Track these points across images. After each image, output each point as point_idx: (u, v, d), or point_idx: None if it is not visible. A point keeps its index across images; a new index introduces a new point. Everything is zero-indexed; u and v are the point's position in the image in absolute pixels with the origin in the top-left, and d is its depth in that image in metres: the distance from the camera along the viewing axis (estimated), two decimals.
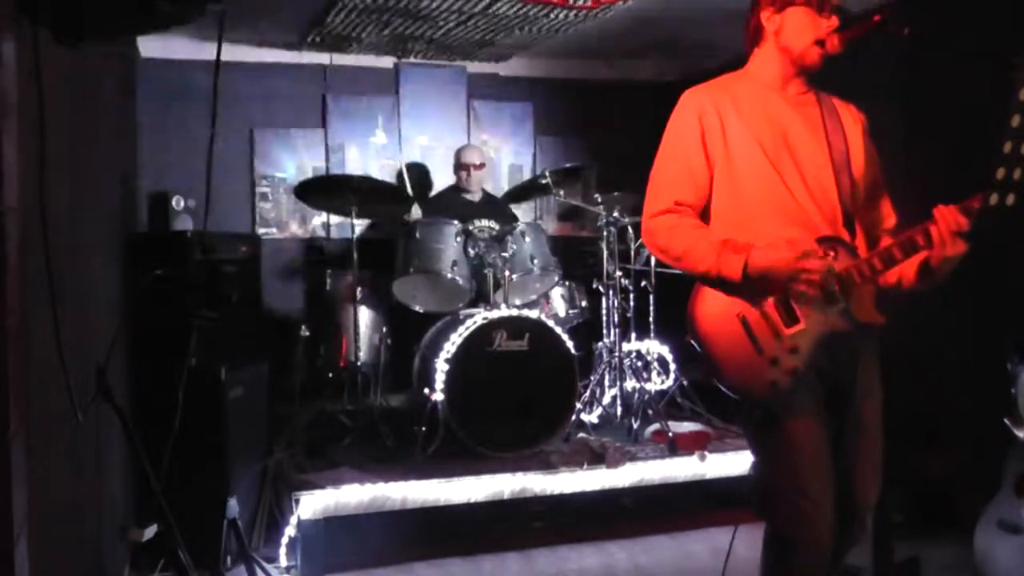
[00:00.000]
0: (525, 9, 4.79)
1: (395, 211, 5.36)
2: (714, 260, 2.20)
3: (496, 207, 5.43)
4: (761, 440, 2.29)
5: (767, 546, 2.28)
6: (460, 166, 5.43)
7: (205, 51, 5.25)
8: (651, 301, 5.00)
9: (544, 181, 4.82)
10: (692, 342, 2.27)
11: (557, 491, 3.91)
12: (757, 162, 2.26)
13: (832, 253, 2.21)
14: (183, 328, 3.59)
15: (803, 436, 2.18)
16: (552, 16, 4.93)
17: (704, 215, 2.33)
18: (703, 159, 2.30)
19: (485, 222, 4.82)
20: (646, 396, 4.59)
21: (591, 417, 4.65)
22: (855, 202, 2.31)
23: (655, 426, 4.40)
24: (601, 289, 4.90)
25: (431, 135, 6.13)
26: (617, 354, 4.73)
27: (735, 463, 4.06)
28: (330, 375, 4.56)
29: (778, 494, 2.22)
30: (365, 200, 4.55)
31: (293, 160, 5.87)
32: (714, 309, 2.23)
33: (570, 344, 4.26)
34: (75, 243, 2.50)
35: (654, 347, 4.97)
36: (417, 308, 4.65)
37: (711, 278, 2.22)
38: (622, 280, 4.87)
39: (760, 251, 2.17)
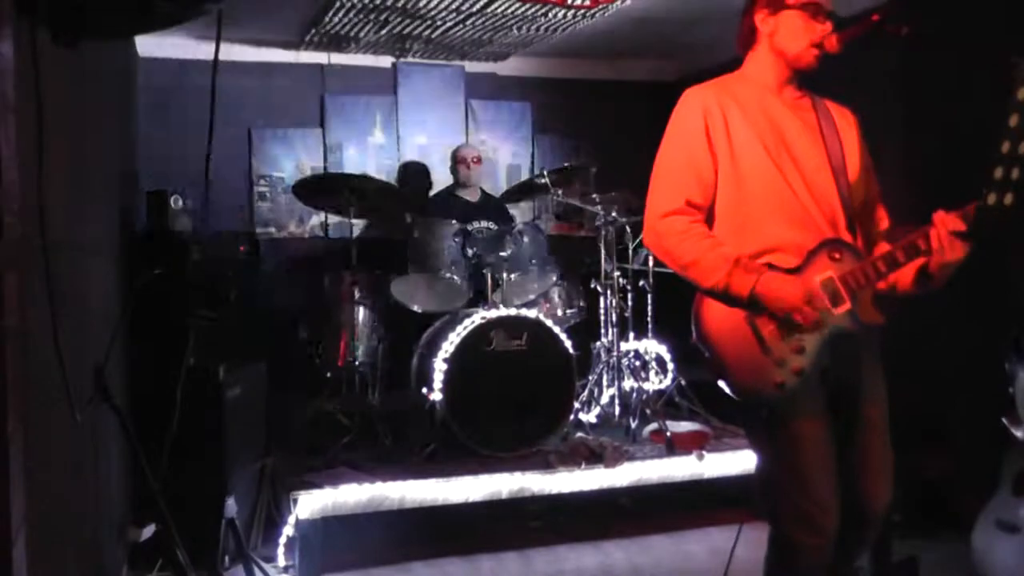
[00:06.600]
0: (523, 8, 4.79)
1: (393, 211, 5.35)
2: (723, 275, 2.18)
3: (494, 207, 5.43)
4: (765, 442, 2.28)
5: (771, 547, 2.28)
6: (458, 160, 5.43)
7: (203, 50, 5.27)
8: (649, 300, 5.00)
9: (542, 181, 4.82)
10: (698, 345, 2.27)
11: (555, 491, 3.91)
12: (760, 162, 2.26)
13: (837, 255, 2.22)
14: (182, 328, 3.59)
15: (807, 437, 2.19)
16: (550, 15, 4.93)
17: (709, 215, 2.32)
18: (709, 157, 2.28)
19: (483, 222, 4.82)
20: (644, 396, 4.58)
21: (589, 417, 4.66)
22: (854, 205, 2.32)
23: (653, 426, 4.40)
24: (599, 288, 4.90)
25: (429, 135, 6.13)
26: (615, 354, 4.73)
27: (733, 463, 4.06)
28: (328, 375, 4.55)
29: (782, 496, 2.22)
30: (363, 200, 4.55)
31: (291, 160, 5.87)
32: (720, 312, 2.22)
33: (568, 344, 4.26)
34: (75, 243, 2.50)
35: (652, 347, 4.97)
36: (415, 308, 4.64)
37: (717, 292, 2.20)
38: (620, 279, 4.87)
39: (770, 280, 2.16)
